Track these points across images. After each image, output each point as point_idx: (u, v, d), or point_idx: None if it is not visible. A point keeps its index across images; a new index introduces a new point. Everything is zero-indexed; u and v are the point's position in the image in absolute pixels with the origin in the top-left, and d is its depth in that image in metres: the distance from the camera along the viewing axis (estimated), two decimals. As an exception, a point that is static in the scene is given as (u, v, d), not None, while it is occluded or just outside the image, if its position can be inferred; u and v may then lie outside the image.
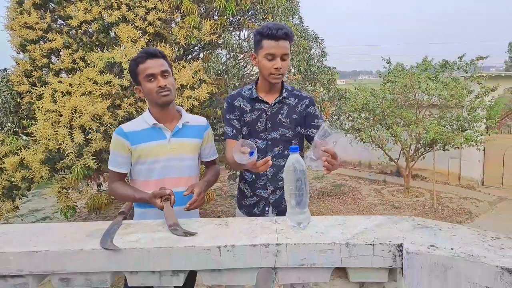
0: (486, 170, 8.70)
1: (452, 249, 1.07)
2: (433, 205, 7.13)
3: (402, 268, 1.11)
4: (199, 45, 5.47)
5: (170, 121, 1.77)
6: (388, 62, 8.46)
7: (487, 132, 7.38)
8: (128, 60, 4.44)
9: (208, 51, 5.72)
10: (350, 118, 7.90)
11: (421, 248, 1.08)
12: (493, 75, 8.46)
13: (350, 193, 8.23)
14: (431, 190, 7.70)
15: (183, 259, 1.13)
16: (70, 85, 4.33)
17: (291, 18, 5.93)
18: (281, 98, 1.83)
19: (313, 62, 5.77)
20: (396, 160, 8.18)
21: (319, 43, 6.38)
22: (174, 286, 1.18)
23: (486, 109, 7.37)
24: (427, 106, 7.57)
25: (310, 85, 5.83)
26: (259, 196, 1.89)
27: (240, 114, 1.87)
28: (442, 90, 6.92)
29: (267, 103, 1.83)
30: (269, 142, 1.84)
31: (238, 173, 2.06)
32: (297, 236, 1.17)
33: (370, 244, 1.12)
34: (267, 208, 1.89)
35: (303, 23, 6.51)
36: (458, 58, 7.68)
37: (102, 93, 4.28)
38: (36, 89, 4.56)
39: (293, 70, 5.62)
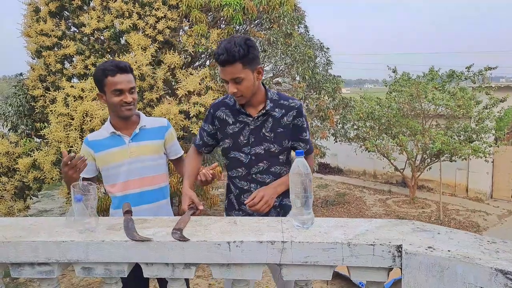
0: (495, 183, 8.51)
1: (449, 250, 1.12)
2: (439, 217, 7.06)
3: (401, 268, 1.17)
4: (206, 53, 5.60)
5: (130, 127, 1.90)
6: (394, 71, 8.47)
7: (496, 144, 7.31)
8: (138, 67, 4.56)
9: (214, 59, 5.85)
10: (355, 127, 7.89)
11: (419, 249, 1.14)
12: (502, 85, 8.38)
13: (354, 203, 8.20)
14: (437, 201, 7.60)
15: (195, 252, 1.21)
16: (82, 90, 4.46)
17: (296, 27, 6.03)
18: (264, 111, 1.71)
19: (318, 70, 5.86)
20: (401, 170, 8.14)
21: (325, 51, 6.48)
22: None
23: (495, 120, 7.27)
24: (433, 116, 7.54)
25: (315, 93, 5.91)
26: (244, 211, 1.80)
27: (222, 126, 1.78)
28: (449, 100, 6.89)
29: (250, 115, 1.73)
30: (253, 157, 1.74)
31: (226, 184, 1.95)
32: (301, 235, 1.24)
33: (371, 245, 1.18)
34: None
35: (308, 32, 6.62)
36: (466, 68, 7.65)
37: (112, 98, 4.39)
38: (49, 93, 4.70)
39: (298, 78, 5.72)
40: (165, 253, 1.21)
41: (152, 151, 1.92)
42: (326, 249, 1.18)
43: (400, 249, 1.16)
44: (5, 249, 1.23)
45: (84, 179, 1.83)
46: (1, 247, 1.22)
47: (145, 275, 1.25)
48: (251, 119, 1.72)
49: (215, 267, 1.24)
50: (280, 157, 1.77)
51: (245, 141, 1.74)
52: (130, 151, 1.86)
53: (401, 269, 1.17)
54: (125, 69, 1.79)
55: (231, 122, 1.75)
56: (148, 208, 1.90)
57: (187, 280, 1.95)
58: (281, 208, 1.82)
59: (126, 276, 1.26)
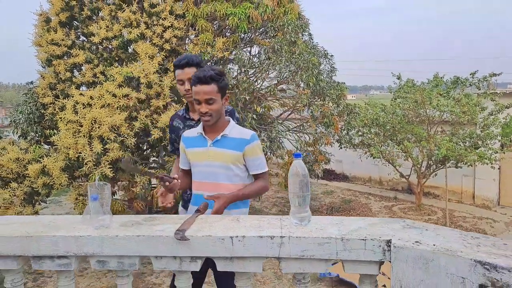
0: (502, 189, 8.35)
1: (434, 245, 1.21)
2: (445, 224, 6.99)
3: (390, 261, 1.26)
4: (212, 60, 5.73)
5: (215, 132, 1.97)
6: (398, 78, 8.49)
7: (502, 150, 7.24)
8: (146, 75, 4.70)
9: (220, 66, 5.97)
10: (360, 133, 7.90)
11: (407, 244, 1.23)
12: (507, 91, 8.32)
13: (360, 209, 8.17)
14: (443, 208, 7.50)
15: (201, 247, 1.32)
16: (91, 97, 4.57)
17: (301, 35, 6.14)
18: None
19: (322, 77, 5.94)
20: (407, 177, 8.10)
21: (329, 59, 6.57)
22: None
23: (501, 127, 7.18)
24: (438, 123, 7.49)
25: (319, 99, 5.99)
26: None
27: (177, 132, 2.29)
28: (454, 106, 6.86)
29: (193, 119, 2.27)
30: None
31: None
32: (299, 231, 1.34)
33: (363, 239, 1.27)
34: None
35: (312, 39, 6.72)
36: (470, 74, 7.64)
37: (120, 105, 4.51)
38: (59, 101, 4.83)
39: (302, 85, 5.80)
40: (173, 247, 1.32)
41: (229, 160, 1.92)
42: (321, 244, 1.28)
43: (389, 243, 1.26)
44: (28, 243, 1.35)
45: (182, 170, 2.09)
46: (24, 241, 1.34)
47: (154, 268, 1.35)
48: (194, 122, 2.26)
49: (219, 260, 1.34)
50: None
51: None
52: (209, 154, 1.94)
53: (390, 262, 1.26)
54: (204, 80, 1.85)
55: (181, 128, 2.30)
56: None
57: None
58: None
59: (137, 269, 1.36)
